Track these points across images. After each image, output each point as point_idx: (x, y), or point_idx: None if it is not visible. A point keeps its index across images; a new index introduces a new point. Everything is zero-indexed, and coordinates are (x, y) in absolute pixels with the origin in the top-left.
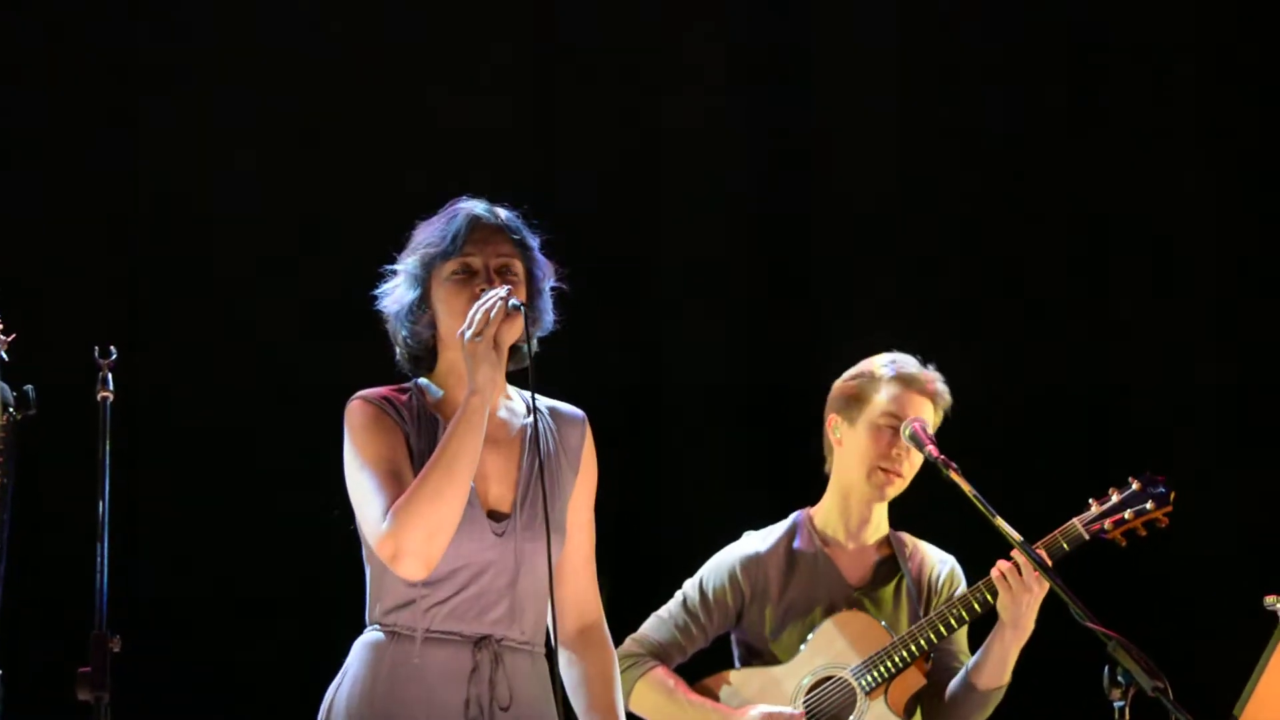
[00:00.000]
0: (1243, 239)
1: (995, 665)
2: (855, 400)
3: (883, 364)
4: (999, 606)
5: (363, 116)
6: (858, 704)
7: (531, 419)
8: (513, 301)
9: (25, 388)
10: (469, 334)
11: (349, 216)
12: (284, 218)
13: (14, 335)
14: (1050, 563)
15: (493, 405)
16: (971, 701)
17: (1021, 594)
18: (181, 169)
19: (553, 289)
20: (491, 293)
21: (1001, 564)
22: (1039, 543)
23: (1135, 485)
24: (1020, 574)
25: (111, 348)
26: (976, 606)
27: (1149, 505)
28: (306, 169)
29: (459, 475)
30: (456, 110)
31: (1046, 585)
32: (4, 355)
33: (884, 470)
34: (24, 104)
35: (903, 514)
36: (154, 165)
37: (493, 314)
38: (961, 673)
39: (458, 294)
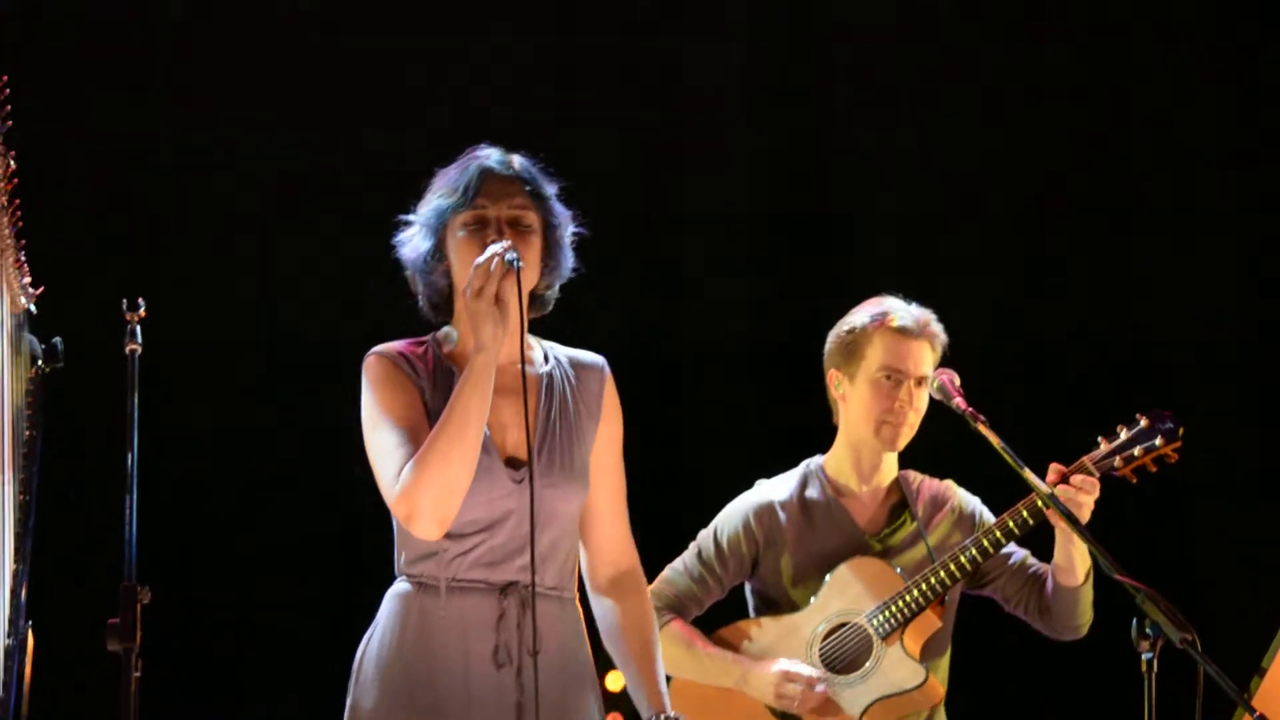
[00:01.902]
0: (1266, 181)
1: (1080, 561)
2: (851, 355)
3: (872, 315)
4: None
5: (387, 65)
6: (874, 649)
7: (548, 368)
8: (509, 256)
9: (54, 341)
10: (469, 293)
11: (371, 167)
12: (309, 168)
13: (42, 289)
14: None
15: (510, 356)
16: (1078, 597)
17: (1080, 506)
18: (206, 121)
19: (574, 234)
20: (490, 249)
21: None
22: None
23: (1144, 422)
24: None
25: (140, 300)
26: (990, 548)
27: (1158, 441)
28: (329, 118)
29: (468, 436)
30: (479, 58)
31: (1098, 488)
32: (33, 309)
33: (890, 424)
34: (47, 55)
35: (917, 460)
36: (179, 116)
37: (493, 274)
38: (1050, 582)
39: (469, 246)
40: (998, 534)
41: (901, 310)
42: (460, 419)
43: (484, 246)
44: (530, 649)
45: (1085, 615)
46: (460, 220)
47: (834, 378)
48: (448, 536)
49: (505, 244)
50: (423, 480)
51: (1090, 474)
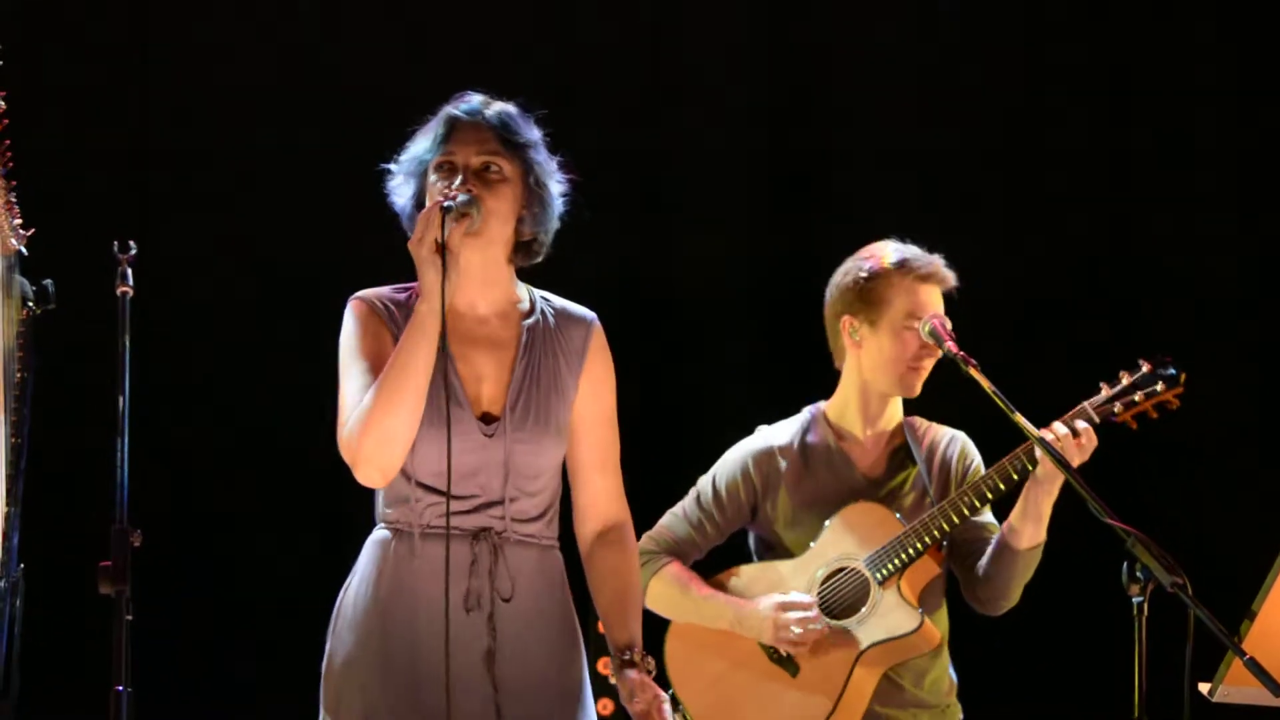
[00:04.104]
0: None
1: (1032, 523)
2: (873, 302)
3: (893, 261)
4: (1039, 465)
5: (372, 11)
6: (871, 594)
7: (531, 320)
8: (446, 204)
9: (45, 282)
10: (411, 240)
11: (359, 111)
12: (297, 111)
13: (33, 230)
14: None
15: (492, 307)
16: (1014, 564)
17: (1069, 460)
18: (199, 63)
19: (566, 181)
20: (437, 199)
21: (1055, 428)
22: (1048, 426)
23: (1145, 367)
24: (1075, 435)
25: (131, 242)
26: (988, 494)
27: (1159, 387)
28: (318, 61)
29: (410, 384)
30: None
31: (1091, 450)
32: (24, 250)
33: (913, 369)
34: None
35: (917, 405)
36: (173, 57)
37: (431, 219)
38: (996, 540)
39: (435, 194)
40: (997, 480)
41: (922, 257)
42: (402, 368)
43: None
44: (503, 595)
45: (1016, 590)
46: (432, 167)
47: (848, 324)
48: (420, 486)
49: (449, 190)
50: (364, 428)
51: (1091, 419)
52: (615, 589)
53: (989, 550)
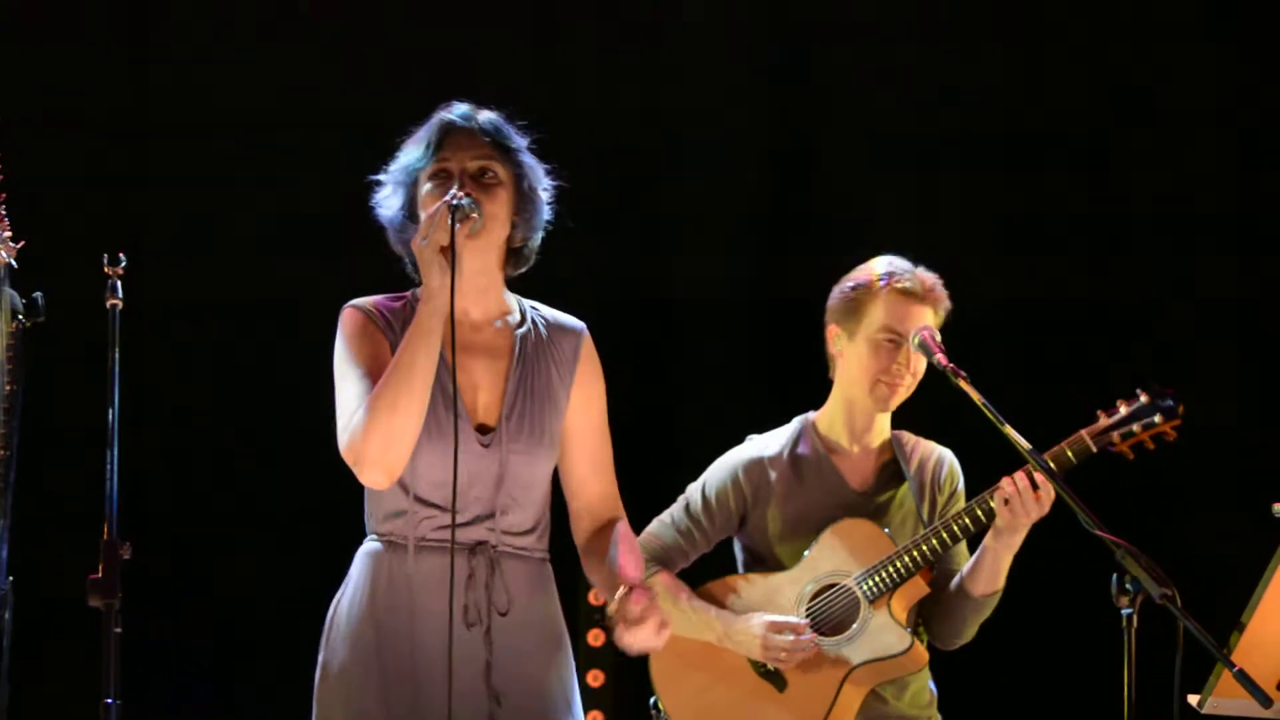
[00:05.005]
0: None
1: (989, 573)
2: (853, 313)
3: (878, 274)
4: (998, 517)
5: (365, 12)
6: (861, 612)
7: (523, 330)
8: (453, 203)
9: (34, 295)
10: (416, 240)
11: (353, 121)
12: (290, 124)
13: (23, 242)
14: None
15: (486, 314)
16: (967, 608)
17: (1026, 514)
18: (188, 75)
19: (554, 187)
20: (443, 200)
21: (1016, 478)
22: (1044, 454)
23: (1143, 398)
24: (1034, 489)
25: (121, 255)
26: (981, 516)
27: (1157, 419)
28: (313, 69)
29: (414, 385)
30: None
31: (1049, 505)
32: (14, 262)
33: (885, 384)
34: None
35: (910, 421)
36: (164, 70)
37: (438, 218)
38: (955, 580)
39: (432, 200)
40: (990, 503)
41: (908, 272)
42: (406, 368)
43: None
44: (499, 609)
45: (970, 631)
46: (426, 175)
47: (833, 333)
48: (417, 500)
49: (451, 194)
50: (368, 428)
51: (1088, 448)
52: (611, 540)
53: (946, 589)
